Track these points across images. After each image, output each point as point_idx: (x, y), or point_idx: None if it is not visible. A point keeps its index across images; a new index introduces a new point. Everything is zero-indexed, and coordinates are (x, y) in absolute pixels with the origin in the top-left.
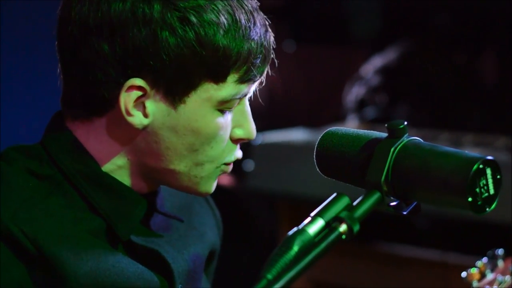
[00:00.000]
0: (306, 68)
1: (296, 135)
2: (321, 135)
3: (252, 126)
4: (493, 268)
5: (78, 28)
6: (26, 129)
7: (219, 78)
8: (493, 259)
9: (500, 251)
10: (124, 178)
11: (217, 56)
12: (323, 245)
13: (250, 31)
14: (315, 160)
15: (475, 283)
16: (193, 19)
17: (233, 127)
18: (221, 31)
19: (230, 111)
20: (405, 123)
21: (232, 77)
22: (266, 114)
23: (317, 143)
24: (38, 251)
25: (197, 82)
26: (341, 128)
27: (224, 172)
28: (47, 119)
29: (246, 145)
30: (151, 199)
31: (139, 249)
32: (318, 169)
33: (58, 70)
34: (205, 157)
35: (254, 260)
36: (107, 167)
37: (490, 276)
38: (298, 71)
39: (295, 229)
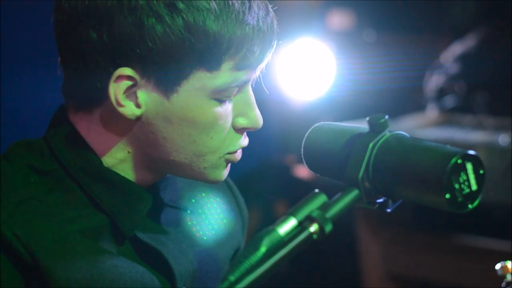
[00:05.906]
0: (387, 57)
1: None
2: (310, 130)
3: (257, 114)
4: None
5: (68, 17)
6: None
7: (212, 66)
8: None
9: None
10: (128, 172)
11: (207, 43)
12: (291, 245)
13: (244, 15)
14: (302, 156)
15: (509, 276)
16: (181, 5)
17: (235, 116)
18: (211, 17)
19: (229, 100)
20: (386, 117)
21: (227, 65)
22: (347, 105)
23: (304, 138)
24: (31, 256)
25: (188, 70)
26: (330, 123)
27: (230, 162)
28: (48, 117)
29: None
30: (159, 191)
31: (144, 245)
32: (305, 165)
33: (58, 59)
34: (205, 148)
35: None
36: (108, 161)
37: None
38: (379, 60)
39: (265, 228)
